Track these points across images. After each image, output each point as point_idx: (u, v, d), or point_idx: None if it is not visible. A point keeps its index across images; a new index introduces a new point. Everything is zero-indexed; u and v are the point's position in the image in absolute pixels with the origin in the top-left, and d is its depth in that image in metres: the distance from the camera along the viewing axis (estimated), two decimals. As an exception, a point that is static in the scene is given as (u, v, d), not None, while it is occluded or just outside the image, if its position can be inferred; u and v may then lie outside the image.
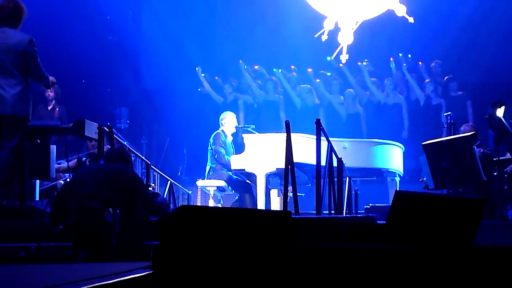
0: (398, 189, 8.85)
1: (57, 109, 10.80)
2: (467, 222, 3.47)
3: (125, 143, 8.13)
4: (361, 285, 2.96)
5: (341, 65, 11.64)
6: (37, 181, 7.57)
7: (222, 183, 9.21)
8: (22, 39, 6.32)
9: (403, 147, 9.54)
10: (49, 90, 10.10)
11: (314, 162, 6.81)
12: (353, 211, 8.77)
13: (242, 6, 12.64)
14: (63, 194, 5.56)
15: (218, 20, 12.83)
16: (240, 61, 12.23)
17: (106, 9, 12.83)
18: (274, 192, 9.05)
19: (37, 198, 7.64)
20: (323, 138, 6.73)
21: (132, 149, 8.03)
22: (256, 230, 3.03)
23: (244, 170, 8.65)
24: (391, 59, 12.10)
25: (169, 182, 9.05)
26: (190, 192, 10.56)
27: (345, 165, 7.73)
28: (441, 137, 8.47)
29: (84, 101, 12.15)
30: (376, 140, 9.44)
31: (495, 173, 7.62)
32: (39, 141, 6.95)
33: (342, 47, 11.13)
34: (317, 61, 12.30)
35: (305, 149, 8.06)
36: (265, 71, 12.39)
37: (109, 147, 7.08)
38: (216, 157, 9.29)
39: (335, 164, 7.13)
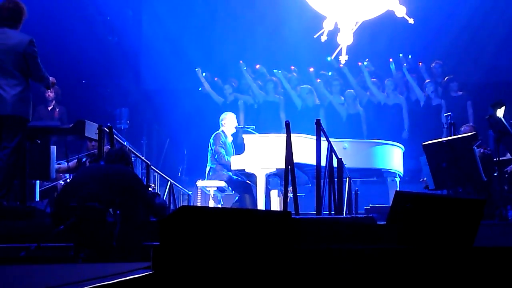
0: (398, 189, 8.84)
1: (57, 109, 10.80)
2: (467, 223, 3.47)
3: (125, 143, 8.13)
4: (361, 286, 2.96)
5: (341, 65, 11.64)
6: (37, 181, 7.57)
7: (222, 184, 9.21)
8: (22, 40, 6.32)
9: (403, 148, 9.54)
10: (49, 90, 10.10)
11: (314, 162, 6.81)
12: (353, 212, 8.77)
13: (242, 6, 12.63)
14: (64, 195, 5.56)
15: (218, 20, 12.83)
16: (241, 61, 12.23)
17: (106, 10, 12.82)
18: (274, 193, 9.04)
19: (37, 198, 7.65)
20: (323, 138, 6.73)
21: (132, 150, 8.03)
22: (256, 230, 3.03)
23: (244, 170, 8.65)
24: (391, 60, 12.10)
25: (169, 182, 9.06)
26: (190, 192, 10.56)
27: (345, 165, 7.73)
28: (441, 138, 8.47)
29: (84, 101, 12.15)
30: (376, 140, 9.44)
31: (495, 174, 7.62)
32: (39, 141, 6.95)
33: (341, 48, 11.12)
34: (318, 62, 12.30)
35: (305, 150, 8.06)
36: (266, 71, 12.38)
37: (109, 147, 7.08)
38: (216, 157, 9.29)
39: (335, 164, 7.13)
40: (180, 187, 10.52)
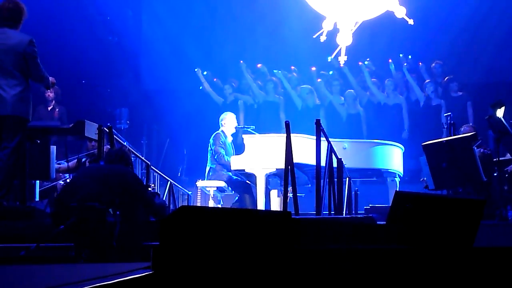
0: (398, 189, 8.85)
1: (57, 109, 10.80)
2: (467, 223, 3.47)
3: (125, 143, 8.14)
4: (361, 286, 2.96)
5: (342, 65, 11.64)
6: (37, 181, 7.57)
7: (222, 184, 9.21)
8: (22, 40, 6.32)
9: (403, 148, 9.54)
10: (49, 90, 10.10)
11: (314, 162, 6.81)
12: (353, 212, 8.77)
13: (242, 6, 12.63)
14: (64, 195, 5.56)
15: (218, 21, 12.83)
16: (241, 61, 12.22)
17: (106, 10, 12.82)
18: (274, 193, 9.04)
19: (37, 198, 7.65)
20: (323, 138, 6.73)
21: (132, 150, 8.04)
22: (256, 230, 3.02)
23: (244, 170, 8.65)
24: (390, 60, 12.10)
25: (169, 182, 9.06)
26: (190, 192, 10.56)
27: (345, 165, 7.73)
28: (441, 138, 8.47)
29: (84, 101, 12.15)
30: (376, 140, 9.44)
31: (495, 174, 7.62)
32: (39, 141, 6.95)
33: (340, 48, 11.13)
34: (318, 62, 12.30)
35: (305, 150, 8.06)
36: (267, 71, 12.38)
37: (109, 147, 7.08)
38: (216, 157, 9.29)
39: (335, 164, 7.13)
40: (180, 187, 10.53)
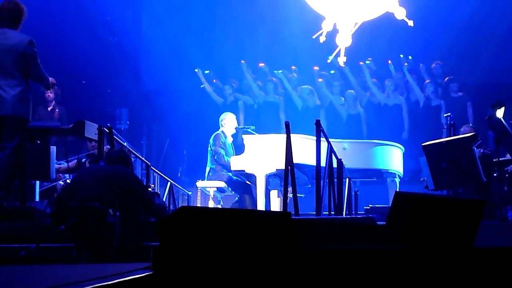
0: (398, 190, 8.85)
1: (57, 110, 10.80)
2: (467, 223, 3.47)
3: (125, 144, 8.14)
4: (361, 286, 2.96)
5: (342, 65, 11.64)
6: (37, 182, 7.57)
7: (222, 184, 9.21)
8: (22, 40, 6.32)
9: (403, 148, 9.54)
10: (49, 91, 10.10)
11: (314, 163, 6.81)
12: (353, 212, 8.77)
13: (242, 7, 12.63)
14: (64, 195, 5.57)
15: (218, 21, 12.83)
16: (243, 61, 12.20)
17: (106, 10, 12.82)
18: (274, 193, 9.04)
19: (37, 199, 7.65)
20: (323, 139, 6.73)
21: (132, 150, 8.03)
22: (256, 231, 3.03)
23: (244, 171, 8.65)
24: (389, 61, 12.09)
25: (169, 183, 9.05)
26: (190, 193, 10.55)
27: (345, 166, 7.73)
28: (441, 138, 8.47)
29: (84, 102, 12.15)
30: (376, 141, 9.44)
31: (495, 174, 7.61)
32: (39, 142, 6.95)
33: (340, 49, 11.13)
34: (318, 62, 12.29)
35: (305, 150, 8.06)
36: (268, 71, 12.38)
37: (109, 147, 7.08)
38: (216, 158, 9.29)
39: (335, 165, 7.13)
40: (180, 187, 10.52)
